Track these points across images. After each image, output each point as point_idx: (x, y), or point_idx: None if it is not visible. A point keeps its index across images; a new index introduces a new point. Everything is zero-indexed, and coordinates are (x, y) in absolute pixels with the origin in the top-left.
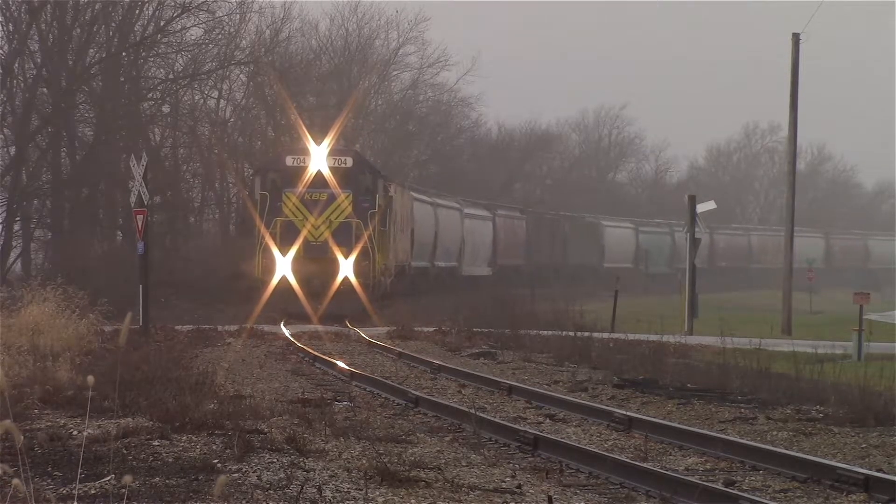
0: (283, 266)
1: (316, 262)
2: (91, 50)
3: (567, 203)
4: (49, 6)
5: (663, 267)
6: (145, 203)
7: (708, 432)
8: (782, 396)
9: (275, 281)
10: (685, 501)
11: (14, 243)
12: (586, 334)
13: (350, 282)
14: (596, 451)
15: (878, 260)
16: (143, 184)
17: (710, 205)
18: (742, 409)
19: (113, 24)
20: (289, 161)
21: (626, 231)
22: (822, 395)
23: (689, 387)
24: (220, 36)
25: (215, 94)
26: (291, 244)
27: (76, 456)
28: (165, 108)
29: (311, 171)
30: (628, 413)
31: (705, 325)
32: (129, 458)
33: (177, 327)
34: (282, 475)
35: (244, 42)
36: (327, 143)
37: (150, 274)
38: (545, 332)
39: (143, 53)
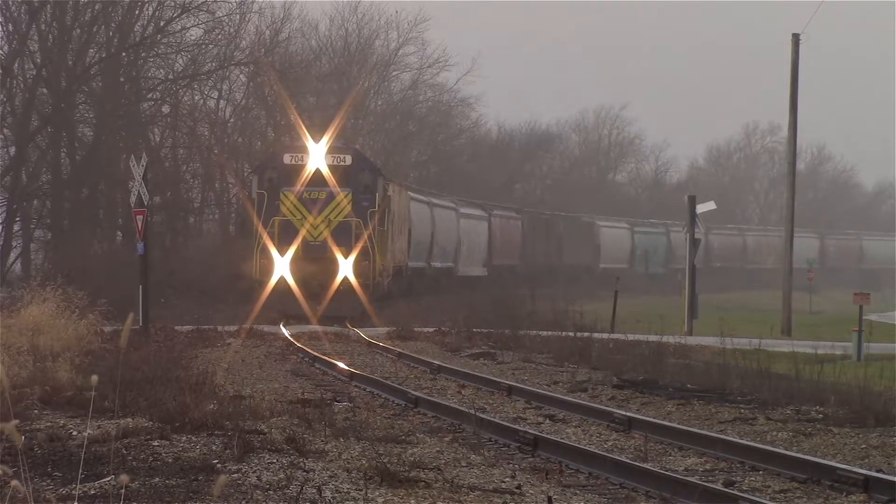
0: (282, 266)
1: (315, 263)
2: (91, 50)
3: (567, 203)
4: (49, 6)
5: (658, 267)
6: (145, 203)
7: (708, 433)
8: (782, 397)
9: (273, 281)
10: (685, 502)
11: (14, 243)
12: (586, 335)
13: (350, 282)
14: (596, 451)
15: (872, 260)
16: (143, 184)
17: (709, 205)
18: (742, 410)
19: (113, 25)
20: (287, 159)
21: (622, 231)
22: (822, 395)
23: (689, 387)
24: (219, 36)
25: (215, 94)
26: (290, 244)
27: (76, 456)
28: (165, 109)
29: (310, 169)
30: (628, 413)
31: (705, 325)
32: (128, 459)
33: (176, 327)
34: (281, 475)
35: (244, 42)
36: (326, 140)
37: (150, 274)
38: (545, 333)
39: (143, 53)
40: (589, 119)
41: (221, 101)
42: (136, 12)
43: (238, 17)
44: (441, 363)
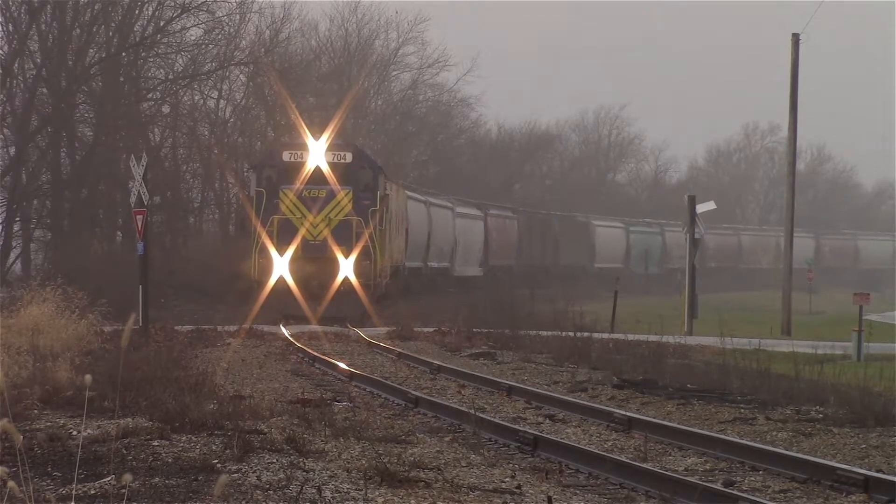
0: (281, 266)
1: (315, 262)
2: (91, 50)
3: (567, 204)
4: (49, 6)
5: (654, 267)
6: (145, 203)
7: (708, 433)
8: (782, 397)
9: (272, 281)
10: (685, 502)
11: (14, 243)
12: (586, 335)
13: (350, 282)
14: (596, 451)
15: (867, 260)
16: (143, 184)
17: (709, 205)
18: (742, 410)
19: (113, 25)
20: (286, 156)
21: (617, 230)
22: (822, 395)
23: (689, 387)
24: (219, 36)
25: (215, 94)
26: (289, 243)
27: (76, 456)
28: (165, 109)
29: (310, 166)
30: (628, 413)
31: (705, 325)
32: (128, 459)
33: (176, 327)
34: (281, 475)
35: (244, 42)
36: (326, 137)
37: (150, 274)
38: (545, 333)
39: (143, 53)
40: (589, 119)
41: (221, 101)
42: (136, 12)
43: (238, 17)
44: (441, 363)
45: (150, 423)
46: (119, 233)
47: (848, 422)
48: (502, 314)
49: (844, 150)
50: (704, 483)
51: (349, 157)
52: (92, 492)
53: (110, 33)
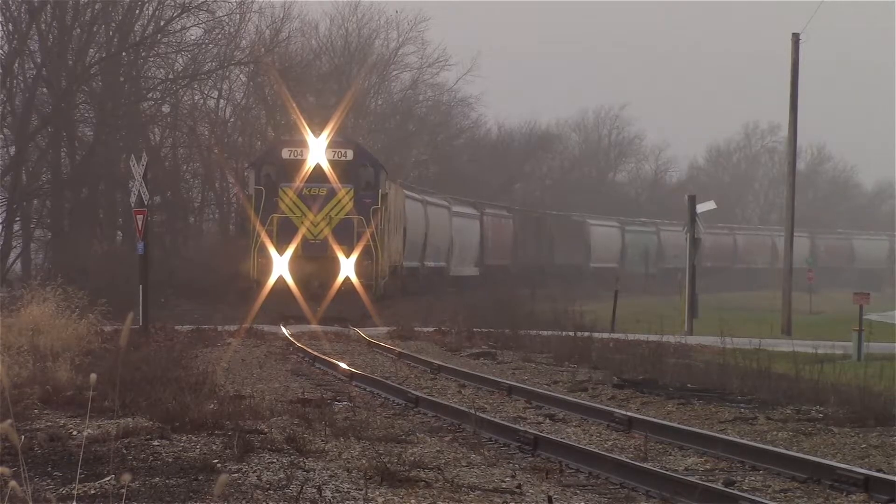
0: (280, 266)
1: (315, 262)
2: (91, 50)
3: (567, 204)
4: (49, 6)
5: (649, 267)
6: (145, 203)
7: (708, 432)
8: (782, 396)
9: (271, 281)
10: (685, 501)
11: (14, 243)
12: (586, 334)
13: (351, 283)
14: (596, 451)
15: (863, 260)
16: (143, 184)
17: (710, 205)
18: (742, 410)
19: (113, 24)
20: (285, 154)
21: (612, 230)
22: (822, 395)
23: (689, 387)
24: (220, 36)
25: (215, 94)
26: (289, 243)
27: (76, 456)
28: (165, 108)
29: (310, 164)
30: (628, 413)
31: (705, 325)
32: (128, 458)
33: (177, 327)
34: (282, 475)
35: (244, 42)
36: (326, 134)
37: (150, 274)
38: (545, 333)
39: (143, 53)
40: (589, 119)
41: (221, 100)
42: (136, 12)
43: (238, 16)
44: (441, 363)
45: (151, 422)
46: (119, 233)
47: (848, 421)
48: (502, 314)
49: (844, 150)
50: (705, 483)
51: (350, 154)
52: (92, 492)
53: (110, 33)
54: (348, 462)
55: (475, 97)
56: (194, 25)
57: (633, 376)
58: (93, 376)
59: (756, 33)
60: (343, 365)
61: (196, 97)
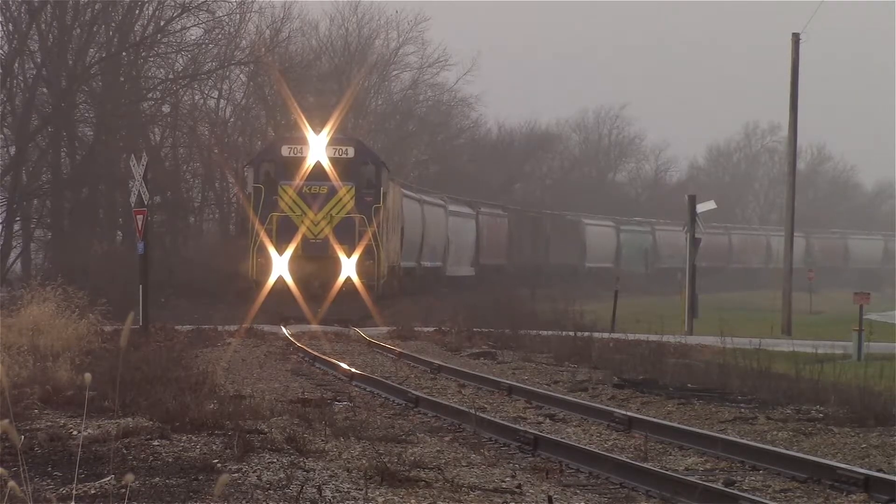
0: (280, 266)
1: (315, 262)
2: (91, 50)
3: (567, 204)
4: (49, 6)
5: (644, 266)
6: (145, 203)
7: (708, 432)
8: (782, 396)
9: (271, 282)
10: (685, 501)
11: (14, 243)
12: (586, 334)
13: (353, 283)
14: (596, 451)
15: (857, 259)
16: (143, 184)
17: (710, 205)
18: (742, 409)
19: (113, 24)
20: (285, 151)
21: (607, 229)
22: (822, 395)
23: (689, 387)
24: (220, 36)
25: (215, 94)
26: (289, 242)
27: (76, 456)
28: (165, 108)
29: (310, 161)
30: (628, 413)
31: (705, 325)
32: (128, 458)
33: (177, 327)
34: (282, 475)
35: (244, 42)
36: (327, 131)
37: (150, 274)
38: (545, 332)
39: (143, 53)
40: (589, 119)
41: (221, 100)
42: (136, 12)
43: (238, 16)
44: (441, 363)
45: (151, 422)
46: (119, 233)
47: (848, 421)
48: (502, 314)
49: (844, 150)
50: (705, 483)
51: (351, 151)
52: (92, 492)
53: (110, 33)
54: (348, 462)
55: (475, 97)
56: (194, 25)
57: (633, 376)
58: (87, 376)
59: (756, 33)
60: (343, 365)
61: (196, 97)
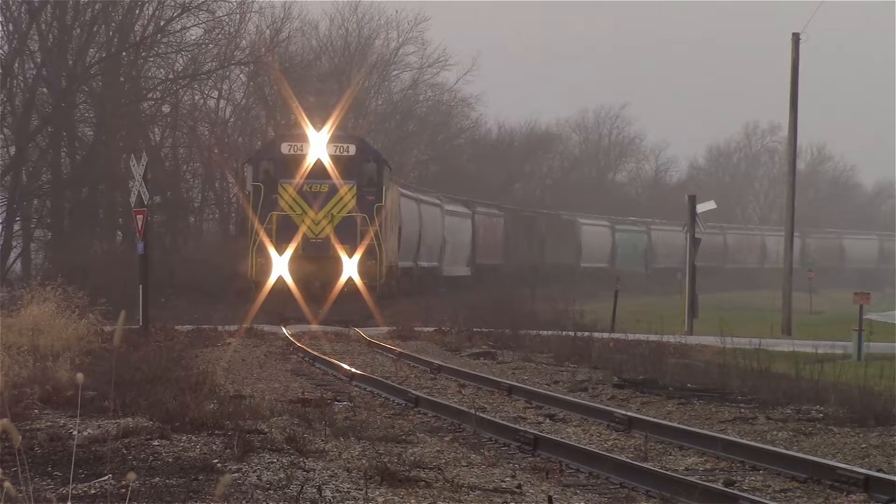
0: (280, 266)
1: (316, 262)
2: (91, 50)
3: (567, 204)
4: (49, 6)
5: (639, 266)
6: (145, 203)
7: (708, 432)
8: (782, 396)
9: (271, 282)
10: (685, 501)
11: (14, 243)
12: (586, 334)
13: (354, 283)
14: (596, 451)
15: (853, 259)
16: (143, 184)
17: (710, 205)
18: (742, 409)
19: (113, 24)
20: (285, 149)
21: (603, 229)
22: (822, 395)
23: (689, 387)
24: (220, 36)
25: (215, 94)
26: (289, 242)
27: (76, 456)
28: (165, 108)
29: (311, 159)
30: (628, 413)
31: (705, 324)
32: (128, 458)
33: (177, 327)
34: (282, 475)
35: (244, 42)
36: (328, 129)
37: (150, 274)
38: (545, 332)
39: (143, 53)
40: (589, 119)
41: (221, 100)
42: (136, 12)
43: (238, 16)
44: (441, 363)
45: (151, 422)
46: (119, 233)
47: (848, 421)
48: (502, 314)
49: (844, 150)
50: (705, 483)
51: (352, 149)
52: (92, 491)
53: (110, 33)
54: (348, 462)
55: (475, 97)
56: (194, 25)
57: (633, 376)
58: (79, 376)
59: (756, 33)
60: (343, 365)
61: (196, 97)
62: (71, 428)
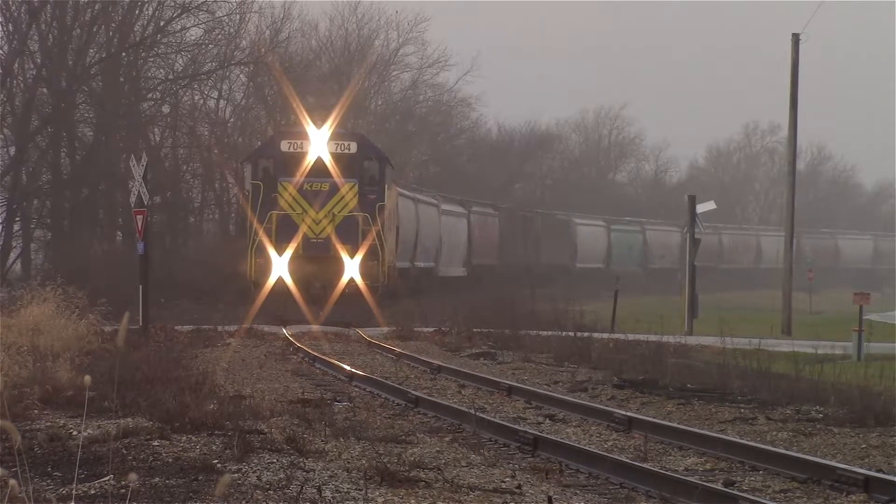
0: (280, 267)
1: (317, 262)
2: (91, 50)
3: (567, 204)
4: (49, 6)
5: (635, 266)
6: (145, 203)
7: (708, 432)
8: (782, 397)
9: (270, 283)
10: (685, 501)
11: (14, 243)
12: (586, 334)
13: (356, 284)
14: (596, 451)
15: (848, 259)
16: (143, 184)
17: (710, 205)
18: (742, 410)
19: (113, 25)
20: (284, 146)
21: (598, 229)
22: (822, 395)
23: (689, 387)
24: (220, 36)
25: (215, 94)
26: (289, 242)
27: (76, 456)
28: (165, 109)
29: (311, 157)
30: (628, 413)
31: (705, 325)
32: (128, 459)
33: (177, 327)
34: (282, 475)
35: (244, 42)
36: (328, 126)
37: (150, 274)
38: (545, 333)
39: (143, 53)
40: (589, 119)
41: (221, 101)
42: (136, 12)
43: (238, 16)
44: (441, 363)
45: (151, 423)
46: (119, 233)
47: (848, 421)
48: (502, 314)
49: (844, 150)
50: (704, 483)
51: (354, 147)
52: (92, 492)
53: (110, 33)
54: (348, 462)
55: (475, 97)
56: (194, 26)
57: (633, 376)
58: (87, 378)
59: (756, 33)
60: (343, 365)
61: (196, 97)
62: (71, 428)
